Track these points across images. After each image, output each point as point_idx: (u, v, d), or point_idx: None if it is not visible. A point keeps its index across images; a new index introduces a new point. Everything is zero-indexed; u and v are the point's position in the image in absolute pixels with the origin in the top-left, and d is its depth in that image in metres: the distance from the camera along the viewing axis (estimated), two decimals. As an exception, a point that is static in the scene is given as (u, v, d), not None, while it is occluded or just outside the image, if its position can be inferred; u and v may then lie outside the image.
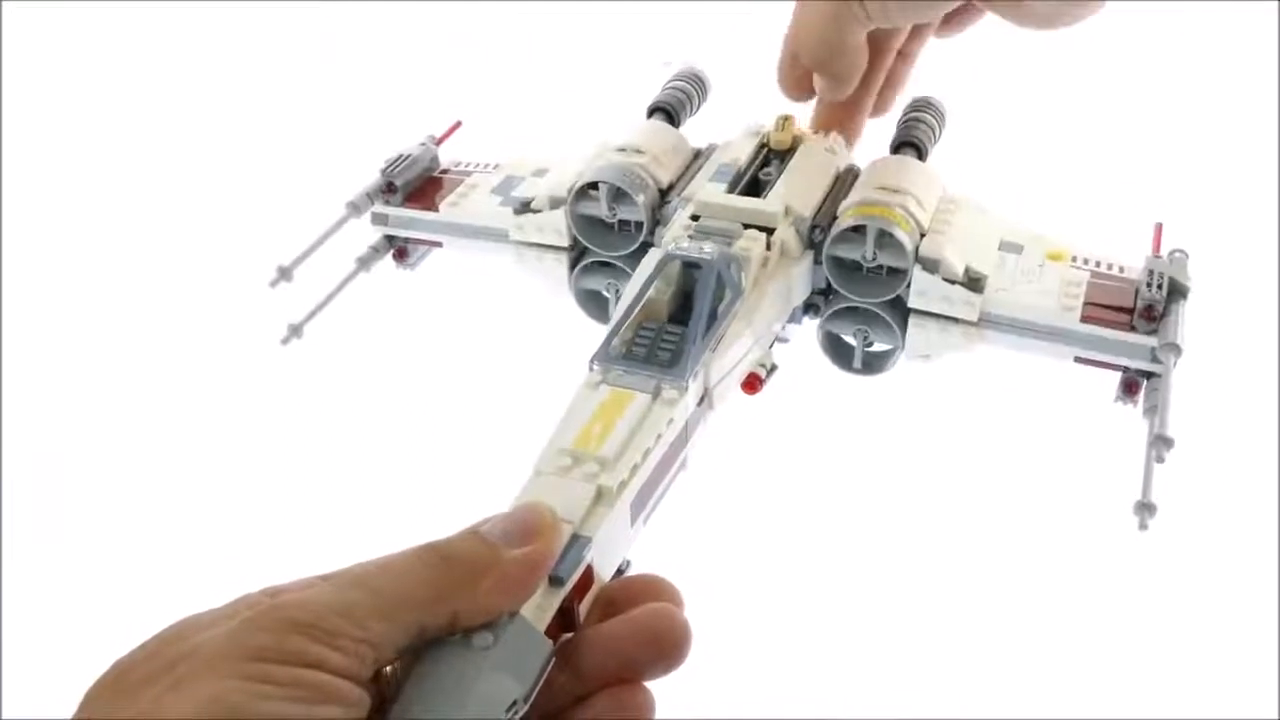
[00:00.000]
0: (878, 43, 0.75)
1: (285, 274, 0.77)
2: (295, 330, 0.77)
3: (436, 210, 0.82)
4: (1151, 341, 0.65)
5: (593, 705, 0.48)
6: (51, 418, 1.15)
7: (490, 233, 0.80)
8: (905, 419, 0.99)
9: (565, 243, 0.76)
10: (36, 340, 1.22)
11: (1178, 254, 0.69)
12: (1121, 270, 0.71)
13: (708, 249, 0.64)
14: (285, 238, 0.79)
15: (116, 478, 1.08)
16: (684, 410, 0.57)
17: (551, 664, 0.45)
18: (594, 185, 0.73)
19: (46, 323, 1.24)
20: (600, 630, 0.50)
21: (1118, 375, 0.68)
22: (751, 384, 0.65)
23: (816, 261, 0.70)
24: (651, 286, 0.63)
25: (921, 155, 0.76)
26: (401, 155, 0.85)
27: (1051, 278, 0.70)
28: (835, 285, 0.70)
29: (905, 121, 0.78)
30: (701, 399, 0.59)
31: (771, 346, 0.69)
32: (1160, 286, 0.66)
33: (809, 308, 0.73)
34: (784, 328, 0.72)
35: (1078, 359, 0.68)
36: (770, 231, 0.68)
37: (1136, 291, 0.67)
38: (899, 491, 1.00)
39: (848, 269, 0.70)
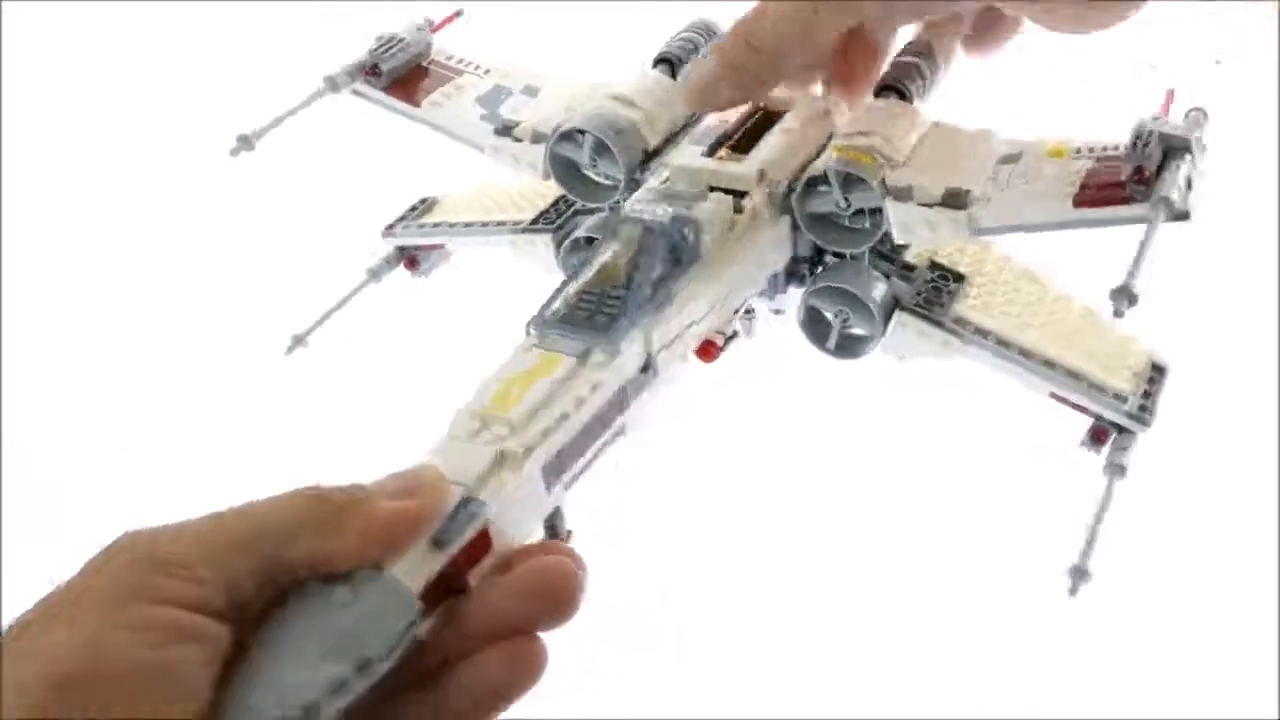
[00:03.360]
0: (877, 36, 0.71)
1: (246, 142, 0.74)
2: (300, 340, 0.79)
3: (419, 105, 0.80)
4: (1145, 209, 0.59)
5: (482, 660, 0.47)
6: (46, 421, 1.16)
7: (465, 141, 0.78)
8: (884, 395, 0.98)
9: (539, 175, 0.74)
10: (31, 339, 1.23)
11: (1194, 113, 0.63)
12: None
13: (661, 211, 0.62)
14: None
15: (119, 483, 1.10)
16: (616, 375, 0.55)
17: (419, 625, 0.44)
18: (582, 130, 0.71)
19: (40, 321, 1.25)
20: (487, 585, 0.49)
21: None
22: (707, 351, 0.64)
23: (796, 227, 0.68)
24: (609, 250, 0.61)
25: (905, 98, 0.72)
26: (394, 38, 0.81)
27: (1050, 174, 0.65)
28: (821, 243, 0.68)
29: (892, 64, 0.74)
30: (645, 366, 0.58)
31: (738, 314, 0.68)
32: (1148, 145, 0.60)
33: (794, 277, 0.71)
34: (774, 298, 0.71)
35: (1052, 395, 0.67)
36: (742, 195, 0.67)
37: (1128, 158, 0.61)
38: (875, 467, 1.01)
39: (833, 226, 0.68)
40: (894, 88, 0.72)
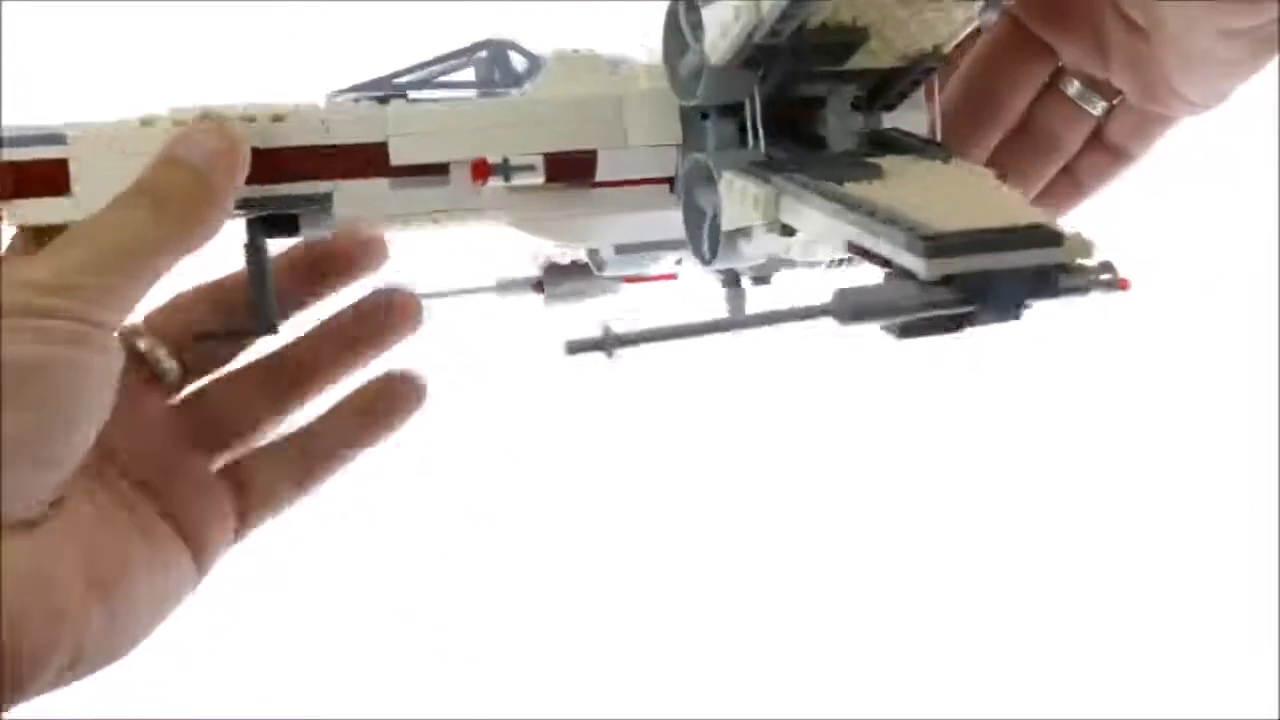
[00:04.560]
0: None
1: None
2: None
3: None
4: None
5: (362, 392, 0.57)
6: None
7: None
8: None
9: None
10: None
11: None
12: None
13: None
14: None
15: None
16: (313, 128, 0.56)
17: None
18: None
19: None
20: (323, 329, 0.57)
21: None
22: (477, 171, 0.58)
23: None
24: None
25: None
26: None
27: None
28: (681, 100, 0.59)
29: None
30: (381, 147, 0.58)
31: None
32: None
33: None
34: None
35: (850, 246, 0.47)
36: None
37: None
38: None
39: None
40: None
